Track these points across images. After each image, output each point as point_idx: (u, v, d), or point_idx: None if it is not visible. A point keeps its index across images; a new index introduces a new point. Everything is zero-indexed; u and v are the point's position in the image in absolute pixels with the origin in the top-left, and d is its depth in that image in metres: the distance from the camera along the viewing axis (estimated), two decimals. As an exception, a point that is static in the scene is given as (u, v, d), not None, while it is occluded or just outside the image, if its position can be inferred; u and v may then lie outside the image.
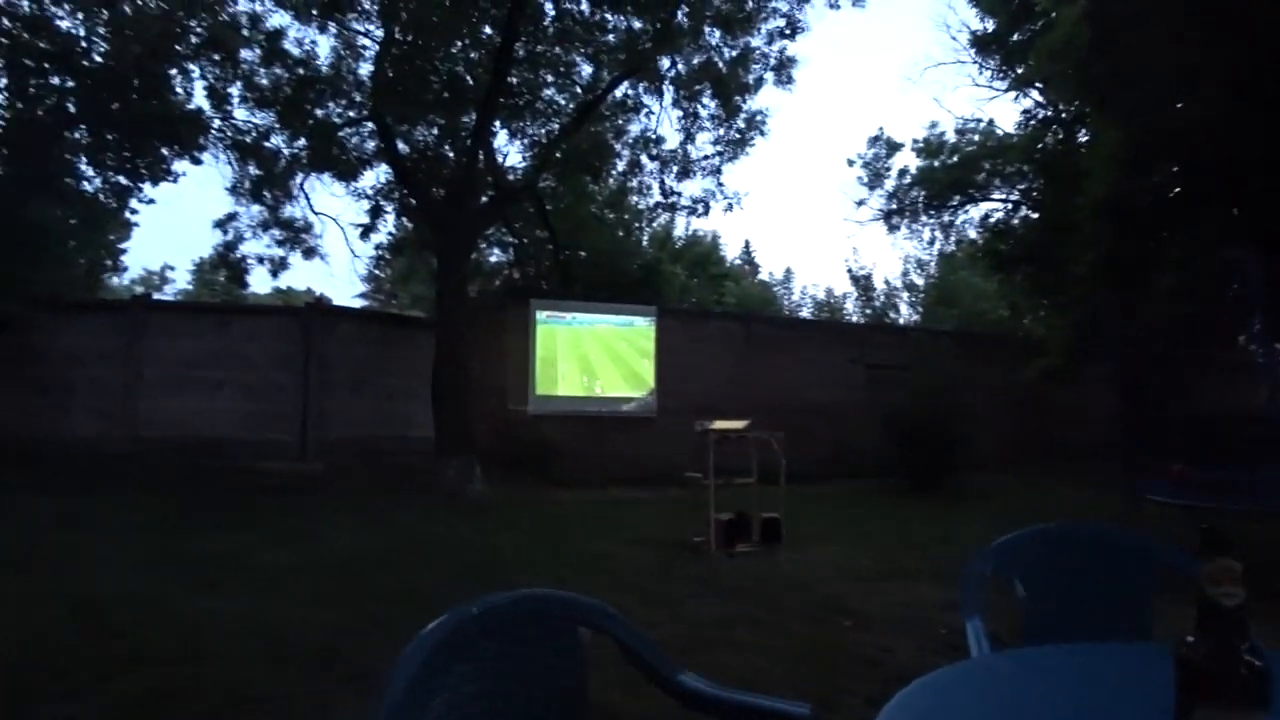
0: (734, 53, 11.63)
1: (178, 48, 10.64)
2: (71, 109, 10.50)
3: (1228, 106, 6.36)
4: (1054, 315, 12.43)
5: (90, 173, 11.47)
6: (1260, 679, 0.90)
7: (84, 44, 10.42)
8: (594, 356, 12.14)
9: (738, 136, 12.59)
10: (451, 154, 11.81)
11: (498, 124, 11.79)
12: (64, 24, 10.30)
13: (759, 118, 12.41)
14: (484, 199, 11.05)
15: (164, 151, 11.43)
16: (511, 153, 13.42)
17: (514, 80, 11.17)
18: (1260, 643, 0.89)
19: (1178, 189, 9.02)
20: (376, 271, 25.48)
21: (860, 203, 19.18)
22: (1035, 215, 15.08)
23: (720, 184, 13.12)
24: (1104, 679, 1.22)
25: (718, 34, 11.35)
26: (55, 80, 10.40)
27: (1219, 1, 6.42)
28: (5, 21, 9.88)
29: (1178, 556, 1.64)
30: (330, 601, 4.31)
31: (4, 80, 10.24)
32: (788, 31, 11.34)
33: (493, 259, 16.90)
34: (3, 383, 9.62)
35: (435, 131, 11.79)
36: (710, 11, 10.88)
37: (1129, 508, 5.27)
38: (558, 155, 11.83)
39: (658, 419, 11.96)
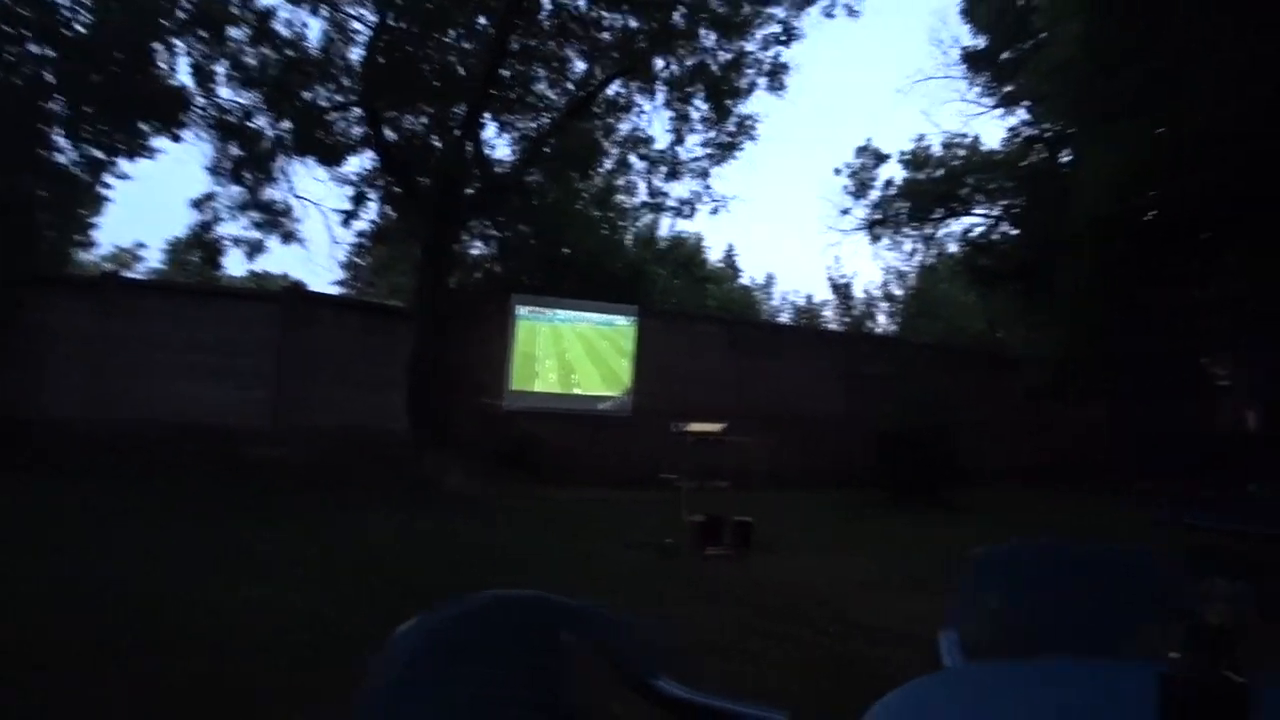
0: (728, 56, 11.64)
1: (164, 22, 10.42)
2: (49, 79, 10.24)
3: (1217, 139, 6.54)
4: (1038, 332, 12.60)
5: (65, 145, 11.20)
6: (1240, 696, 0.90)
7: (66, 13, 10.17)
8: (573, 354, 12.09)
9: (727, 140, 12.60)
10: (440, 144, 11.70)
11: (488, 116, 11.69)
12: (45, -10, 10.06)
13: (749, 122, 12.45)
14: (470, 191, 10.96)
15: (143, 127, 11.19)
16: (500, 146, 13.33)
17: (506, 73, 11.08)
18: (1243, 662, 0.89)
19: (1156, 212, 9.20)
20: (356, 259, 25.18)
21: (845, 211, 19.30)
22: (1016, 231, 15.28)
23: (708, 186, 13.14)
24: (1082, 694, 1.21)
25: (713, 37, 11.36)
26: (34, 49, 10.14)
27: (1212, 44, 6.60)
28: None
29: (1167, 575, 1.64)
30: (313, 596, 4.24)
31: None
32: (783, 38, 11.39)
33: (475, 251, 16.76)
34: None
35: (424, 120, 11.67)
36: (707, 14, 10.87)
37: (1119, 524, 5.33)
38: (546, 150, 11.76)
39: (641, 420, 11.91)
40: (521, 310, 11.79)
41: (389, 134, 10.85)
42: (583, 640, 1.32)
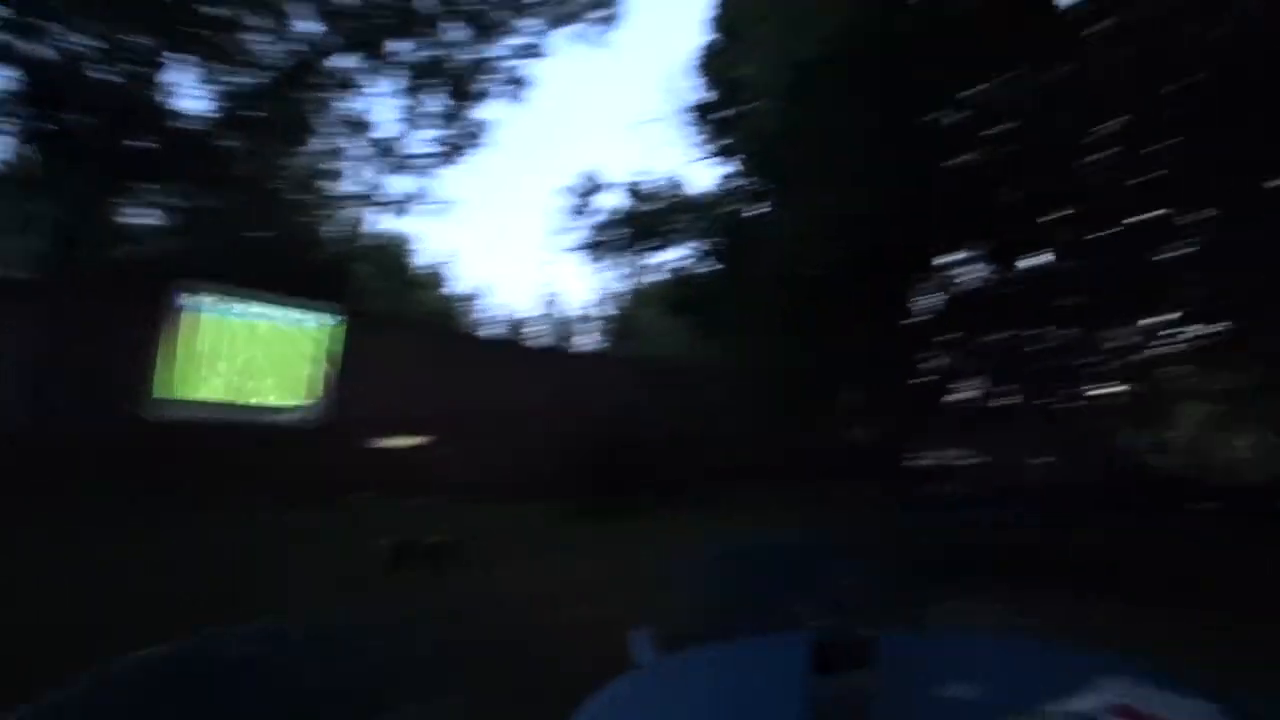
0: (472, 57, 11.47)
1: None
2: None
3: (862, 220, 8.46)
4: (725, 359, 14.41)
5: None
6: (860, 647, 1.19)
7: None
8: (252, 356, 10.52)
9: (456, 141, 12.35)
10: (113, 79, 9.50)
11: (180, 57, 9.84)
12: None
13: (481, 127, 12.37)
14: (145, 144, 9.12)
15: None
16: (191, 98, 11.23)
17: (211, 11, 9.47)
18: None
19: (823, 271, 11.22)
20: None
21: (563, 231, 20.20)
22: (716, 268, 17.33)
23: (429, 186, 12.75)
24: (756, 667, 1.42)
25: (461, 33, 11.08)
26: None
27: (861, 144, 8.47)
28: None
29: (825, 559, 1.98)
30: None
31: None
32: (529, 51, 11.59)
33: (140, 221, 13.93)
34: None
35: (93, 43, 9.39)
36: (457, 7, 10.59)
37: (788, 522, 6.31)
38: (250, 114, 10.31)
39: (333, 432, 10.81)
40: (193, 299, 9.96)
41: (38, 49, 8.55)
42: (253, 691, 1.15)
